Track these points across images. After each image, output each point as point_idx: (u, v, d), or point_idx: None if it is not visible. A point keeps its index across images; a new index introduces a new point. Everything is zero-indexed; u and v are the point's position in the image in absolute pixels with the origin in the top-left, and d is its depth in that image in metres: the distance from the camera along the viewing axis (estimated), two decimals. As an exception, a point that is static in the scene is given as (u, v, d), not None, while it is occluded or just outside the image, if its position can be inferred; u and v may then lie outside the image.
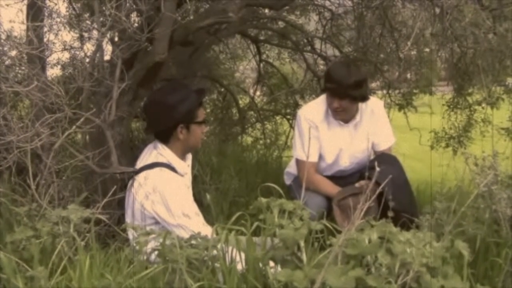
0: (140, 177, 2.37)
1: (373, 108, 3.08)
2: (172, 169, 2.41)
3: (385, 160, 2.90)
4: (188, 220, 2.27)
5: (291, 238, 1.60)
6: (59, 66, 3.44)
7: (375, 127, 3.09)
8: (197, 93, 2.49)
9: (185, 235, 2.06)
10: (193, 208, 2.36)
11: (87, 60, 2.77)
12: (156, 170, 2.37)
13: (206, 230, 2.08)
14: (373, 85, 5.56)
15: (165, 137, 2.46)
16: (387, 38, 5.02)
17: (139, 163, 2.47)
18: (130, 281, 1.49)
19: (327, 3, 5.49)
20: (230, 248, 1.67)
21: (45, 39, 2.85)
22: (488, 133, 5.15)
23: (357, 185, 2.88)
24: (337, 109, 2.96)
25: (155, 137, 2.51)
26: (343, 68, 2.94)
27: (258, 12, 4.78)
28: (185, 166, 2.51)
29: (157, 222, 2.32)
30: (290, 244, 1.60)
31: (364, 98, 2.98)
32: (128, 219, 2.42)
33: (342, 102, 2.92)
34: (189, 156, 2.61)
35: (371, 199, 1.49)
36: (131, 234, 2.27)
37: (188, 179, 2.56)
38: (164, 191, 2.30)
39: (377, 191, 1.64)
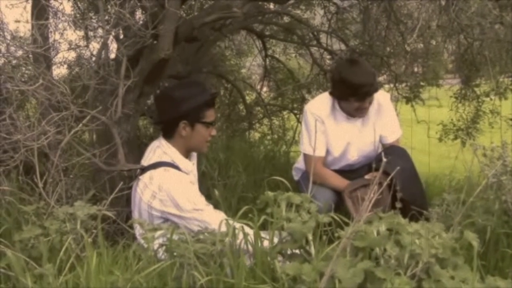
0: (145, 178, 2.37)
1: (380, 101, 3.06)
2: (176, 167, 2.41)
3: (394, 152, 2.89)
4: (200, 212, 2.28)
5: (299, 231, 1.59)
6: (65, 66, 3.45)
7: (382, 119, 3.07)
8: (207, 93, 2.49)
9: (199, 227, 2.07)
10: (202, 200, 2.37)
11: (93, 58, 2.77)
12: (161, 170, 2.37)
13: (219, 216, 2.17)
14: (380, 78, 5.53)
15: (169, 132, 2.48)
16: (393, 30, 4.99)
17: (144, 162, 2.47)
18: (138, 277, 1.49)
19: (332, -3, 5.48)
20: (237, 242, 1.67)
21: (50, 39, 2.85)
22: (496, 124, 5.12)
23: (366, 177, 2.87)
24: (366, 108, 2.97)
25: (161, 131, 2.53)
26: (357, 68, 2.91)
27: (263, 7, 4.76)
28: (189, 164, 2.50)
29: (165, 221, 2.30)
30: (298, 237, 1.60)
31: None
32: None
33: (371, 99, 2.94)
34: (194, 155, 2.61)
35: (380, 189, 1.48)
36: (137, 231, 2.28)
37: (193, 177, 2.55)
38: (170, 190, 2.29)
39: (386, 182, 1.64)
